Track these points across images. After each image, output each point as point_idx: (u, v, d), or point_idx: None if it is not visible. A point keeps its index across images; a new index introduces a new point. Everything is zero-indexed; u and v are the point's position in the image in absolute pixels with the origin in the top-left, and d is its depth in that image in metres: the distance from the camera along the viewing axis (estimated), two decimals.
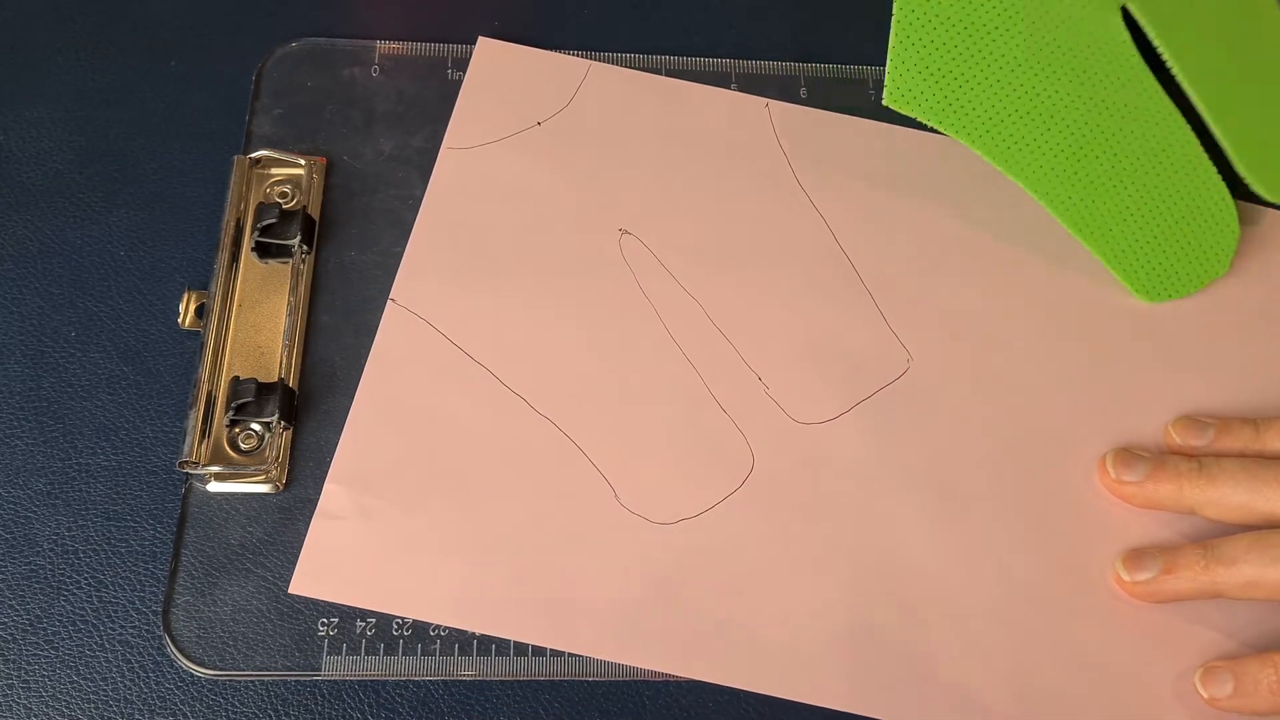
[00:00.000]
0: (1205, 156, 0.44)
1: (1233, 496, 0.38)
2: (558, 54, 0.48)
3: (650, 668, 0.37)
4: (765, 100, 0.48)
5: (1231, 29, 0.46)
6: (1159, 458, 0.40)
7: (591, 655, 0.37)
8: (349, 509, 0.39)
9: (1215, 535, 0.39)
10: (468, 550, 0.38)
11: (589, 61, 0.48)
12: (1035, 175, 0.43)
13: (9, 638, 0.37)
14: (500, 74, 0.47)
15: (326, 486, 0.39)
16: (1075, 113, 0.43)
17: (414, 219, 0.44)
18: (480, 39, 0.48)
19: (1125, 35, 0.43)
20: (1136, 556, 0.39)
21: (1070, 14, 0.43)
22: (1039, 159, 0.43)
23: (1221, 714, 0.38)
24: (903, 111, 0.42)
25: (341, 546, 0.38)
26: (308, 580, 0.37)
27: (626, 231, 0.44)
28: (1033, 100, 0.43)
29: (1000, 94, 0.42)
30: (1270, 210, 0.47)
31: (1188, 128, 0.44)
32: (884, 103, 0.42)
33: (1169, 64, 0.43)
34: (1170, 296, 0.44)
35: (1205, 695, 0.37)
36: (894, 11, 0.42)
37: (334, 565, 0.38)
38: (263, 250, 0.42)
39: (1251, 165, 0.45)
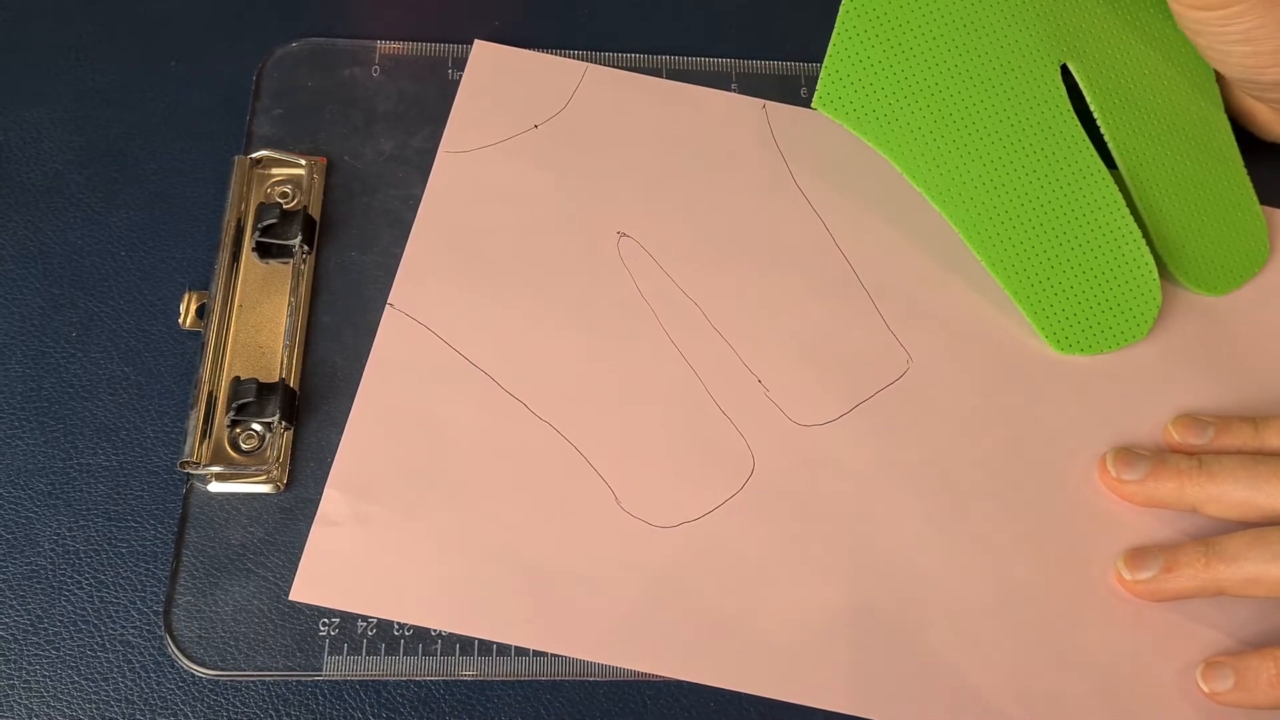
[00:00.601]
0: (1132, 221, 0.43)
1: (1233, 493, 0.38)
2: (554, 56, 0.48)
3: (652, 672, 0.37)
4: (762, 101, 0.48)
5: (1164, 101, 0.45)
6: (1159, 456, 0.40)
7: (593, 660, 0.37)
8: (349, 515, 0.39)
9: (1216, 534, 0.39)
10: (468, 555, 0.38)
11: (585, 64, 0.48)
12: (955, 203, 0.43)
13: (10, 638, 0.37)
14: (497, 77, 0.47)
15: (326, 492, 0.39)
16: (1003, 152, 0.43)
17: (414, 219, 0.44)
18: (476, 42, 0.48)
19: (1061, 91, 0.44)
20: (1137, 555, 0.39)
21: (1010, 59, 0.43)
22: (961, 188, 0.43)
23: (1222, 711, 0.38)
24: (830, 116, 0.43)
25: (342, 553, 0.38)
26: (308, 587, 0.37)
27: (624, 234, 0.44)
28: (961, 131, 0.43)
29: (930, 119, 0.43)
30: (1269, 210, 0.47)
31: (1117, 191, 0.43)
32: (813, 105, 0.43)
33: (1101, 129, 0.44)
34: (1083, 351, 0.43)
35: (1206, 690, 0.38)
36: (837, 23, 0.43)
37: (334, 572, 0.38)
38: (263, 250, 0.42)
39: (1169, 249, 0.44)
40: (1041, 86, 0.43)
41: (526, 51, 0.48)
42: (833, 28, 0.43)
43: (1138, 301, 0.43)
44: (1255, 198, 0.46)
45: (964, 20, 0.44)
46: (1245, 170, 0.46)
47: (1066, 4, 0.45)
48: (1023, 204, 0.43)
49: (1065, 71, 0.44)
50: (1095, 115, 0.44)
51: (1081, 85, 0.44)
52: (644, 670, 0.37)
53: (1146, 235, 0.44)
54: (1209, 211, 0.45)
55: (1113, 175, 0.44)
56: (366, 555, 0.38)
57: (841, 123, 0.43)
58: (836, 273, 0.44)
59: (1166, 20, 0.46)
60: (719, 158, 0.46)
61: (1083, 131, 0.44)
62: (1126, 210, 0.43)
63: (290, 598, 0.37)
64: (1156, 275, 0.44)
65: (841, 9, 0.43)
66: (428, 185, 0.44)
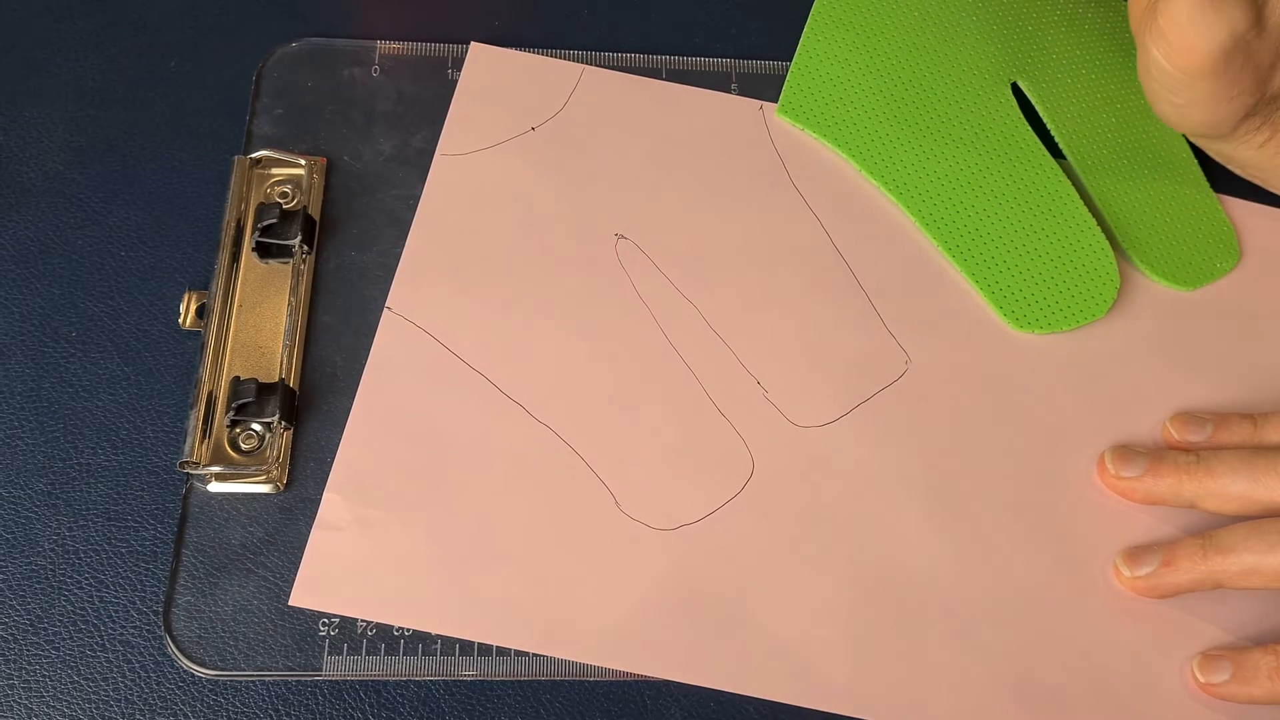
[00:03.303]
0: (1084, 209, 0.45)
1: (1231, 487, 0.38)
2: (551, 58, 0.48)
3: (652, 674, 0.37)
4: (760, 103, 0.48)
5: (1118, 118, 0.48)
6: (1158, 453, 0.41)
7: (593, 663, 0.37)
8: (348, 519, 0.39)
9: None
10: (468, 559, 0.38)
11: (582, 65, 0.48)
12: (911, 195, 0.45)
13: (9, 638, 0.37)
14: (493, 79, 0.47)
15: (325, 496, 0.39)
16: (955, 150, 0.46)
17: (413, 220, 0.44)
18: (473, 44, 0.48)
19: (1012, 101, 0.47)
20: (1136, 552, 0.39)
21: (962, 75, 0.48)
22: (916, 183, 0.45)
23: (1224, 709, 0.38)
24: (793, 124, 0.47)
25: (341, 557, 0.38)
26: (308, 592, 0.37)
27: (622, 236, 0.44)
28: (915, 134, 0.46)
29: (885, 123, 0.46)
30: (1268, 209, 0.47)
31: (1068, 183, 0.46)
32: (776, 113, 0.47)
33: (1056, 139, 0.47)
34: (1041, 329, 0.43)
35: (1201, 680, 0.38)
36: (801, 39, 0.48)
37: (334, 576, 0.38)
38: (263, 250, 0.42)
39: (1131, 241, 0.45)
40: (992, 97, 0.46)
41: (523, 53, 0.48)
42: None
43: (1095, 281, 0.44)
44: (1218, 204, 0.47)
45: (918, 41, 0.48)
46: (1205, 179, 0.47)
47: (1018, 27, 0.49)
48: (976, 195, 0.45)
49: (1017, 88, 0.48)
50: (1046, 123, 0.47)
51: (1032, 99, 0.47)
52: (644, 673, 0.37)
53: (1107, 229, 0.45)
54: (1170, 211, 0.46)
55: (1067, 170, 0.46)
56: (366, 559, 0.38)
57: (802, 128, 0.47)
58: (835, 274, 0.44)
59: (1121, 51, 0.49)
60: (717, 159, 0.46)
61: (1032, 133, 0.47)
62: (1078, 199, 0.45)
63: (290, 603, 0.37)
64: (1112, 257, 0.45)
65: (805, 31, 0.48)
66: (425, 187, 0.44)
